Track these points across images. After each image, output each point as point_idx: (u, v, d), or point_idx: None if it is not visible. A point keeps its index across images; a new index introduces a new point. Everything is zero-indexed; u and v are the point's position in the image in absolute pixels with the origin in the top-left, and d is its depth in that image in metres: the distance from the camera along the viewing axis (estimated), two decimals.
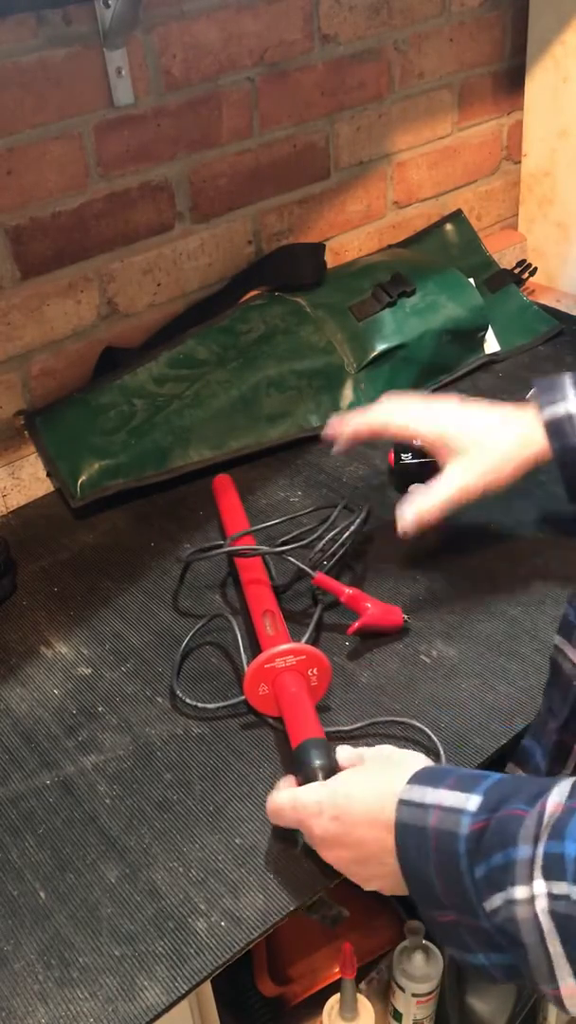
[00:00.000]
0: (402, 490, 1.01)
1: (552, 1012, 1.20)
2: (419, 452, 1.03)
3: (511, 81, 1.51)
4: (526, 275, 1.50)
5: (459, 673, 0.87)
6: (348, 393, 1.24)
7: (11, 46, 1.01)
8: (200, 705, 0.86)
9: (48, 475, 1.19)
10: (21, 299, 1.12)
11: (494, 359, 1.34)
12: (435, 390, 1.29)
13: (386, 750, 0.71)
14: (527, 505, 1.05)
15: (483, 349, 1.34)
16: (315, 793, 0.68)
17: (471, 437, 0.88)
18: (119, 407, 1.17)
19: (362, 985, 1.00)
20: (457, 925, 0.57)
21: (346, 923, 0.93)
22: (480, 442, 0.88)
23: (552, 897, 0.50)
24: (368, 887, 0.68)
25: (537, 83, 1.48)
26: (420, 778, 0.62)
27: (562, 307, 1.47)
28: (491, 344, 1.35)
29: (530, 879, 0.51)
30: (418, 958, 0.98)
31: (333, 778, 0.69)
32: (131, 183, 1.16)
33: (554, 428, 0.85)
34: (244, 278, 1.30)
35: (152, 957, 0.68)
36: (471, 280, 1.35)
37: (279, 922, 0.70)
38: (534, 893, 0.51)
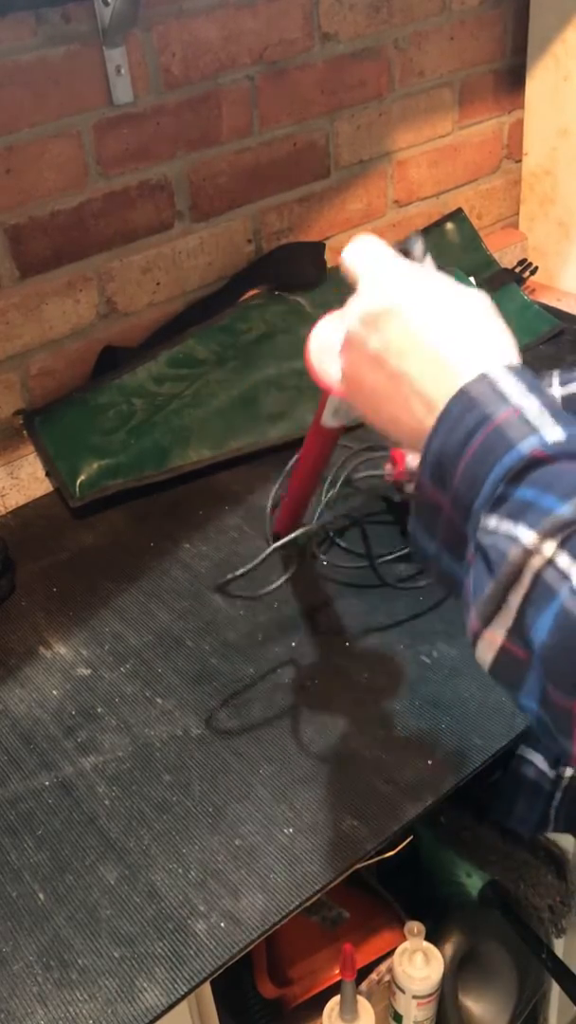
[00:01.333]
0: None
1: (552, 1014, 1.20)
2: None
3: (512, 79, 1.51)
4: (527, 274, 1.50)
5: (460, 673, 0.87)
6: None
7: (10, 44, 1.01)
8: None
9: (47, 475, 1.18)
10: (20, 298, 1.11)
11: None
12: None
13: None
14: None
15: None
16: (392, 275, 0.58)
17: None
18: (118, 407, 1.17)
19: (362, 987, 1.00)
20: (439, 511, 0.53)
21: (346, 924, 0.93)
22: None
23: (552, 565, 0.46)
24: (371, 421, 0.60)
25: (538, 81, 1.48)
26: (518, 373, 0.52)
27: (563, 306, 1.47)
28: None
29: (548, 537, 0.46)
30: (418, 960, 0.98)
31: (423, 279, 0.58)
32: (130, 182, 1.15)
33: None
34: (244, 277, 1.30)
35: (151, 958, 0.68)
36: (472, 279, 1.34)
37: (279, 923, 0.70)
38: (540, 549, 0.46)
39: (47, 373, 1.17)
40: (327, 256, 1.36)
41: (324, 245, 1.35)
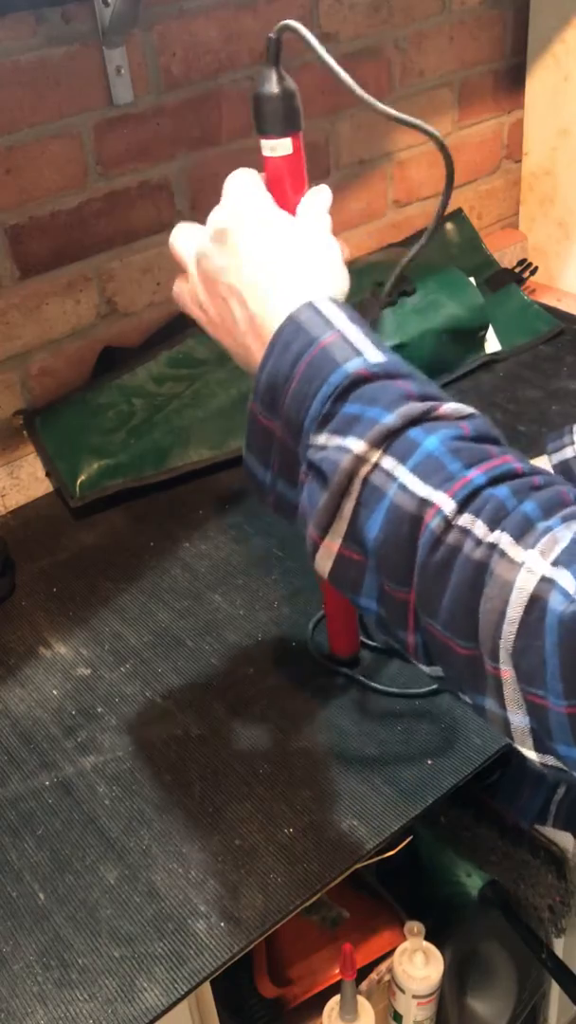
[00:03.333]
0: None
1: (552, 1014, 1.20)
2: None
3: (512, 80, 1.51)
4: (527, 274, 1.50)
5: None
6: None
7: (10, 45, 1.01)
8: None
9: (47, 475, 1.18)
10: (20, 298, 1.11)
11: (495, 358, 1.34)
12: None
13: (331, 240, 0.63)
14: None
15: (484, 348, 1.34)
16: (251, 199, 0.60)
17: None
18: (118, 407, 1.17)
19: (362, 986, 1.00)
20: (271, 435, 0.57)
21: (346, 924, 0.93)
22: None
23: (379, 468, 0.50)
24: (211, 333, 0.64)
25: (538, 82, 1.48)
26: (341, 305, 0.57)
27: (563, 306, 1.47)
28: (492, 343, 1.34)
29: (376, 446, 0.50)
30: (418, 959, 0.98)
31: (279, 210, 0.61)
32: (130, 182, 1.15)
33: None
34: None
35: (151, 958, 0.68)
36: (472, 279, 1.34)
37: (279, 923, 0.70)
38: (368, 457, 0.51)
39: (47, 373, 1.17)
40: None
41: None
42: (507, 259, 1.56)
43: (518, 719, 0.46)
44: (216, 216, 0.61)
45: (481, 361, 1.32)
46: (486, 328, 1.33)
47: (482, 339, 1.33)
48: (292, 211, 0.63)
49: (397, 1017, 1.02)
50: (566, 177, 1.51)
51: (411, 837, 0.89)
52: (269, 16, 1.19)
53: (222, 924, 0.70)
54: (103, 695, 0.89)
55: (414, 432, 0.50)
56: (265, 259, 0.59)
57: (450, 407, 0.52)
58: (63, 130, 1.08)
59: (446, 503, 0.47)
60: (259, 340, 0.58)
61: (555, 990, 1.20)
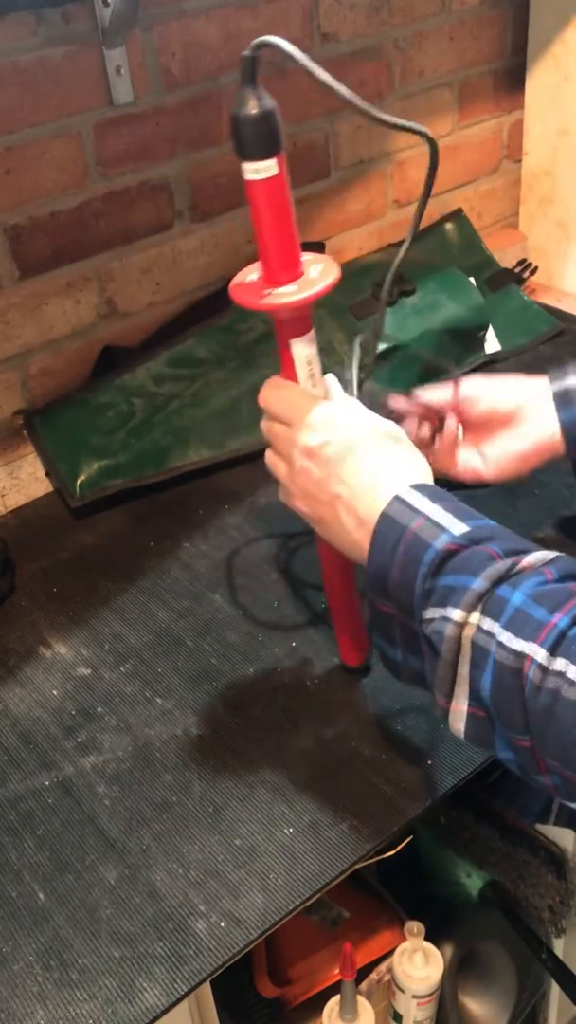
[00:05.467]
0: None
1: (552, 1014, 1.20)
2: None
3: (512, 80, 1.51)
4: (527, 274, 1.50)
5: None
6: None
7: (10, 45, 1.01)
8: None
9: (47, 475, 1.18)
10: (20, 298, 1.11)
11: (495, 359, 1.34)
12: None
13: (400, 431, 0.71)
14: (532, 505, 1.05)
15: (483, 349, 1.34)
16: (326, 411, 0.68)
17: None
18: (118, 407, 1.17)
19: (362, 986, 1.00)
20: (392, 619, 0.63)
21: (346, 924, 0.93)
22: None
23: (480, 630, 0.56)
24: (321, 532, 0.71)
25: (538, 82, 1.48)
26: (423, 489, 0.63)
27: (563, 306, 1.47)
28: (491, 344, 1.34)
29: (472, 609, 0.56)
30: (418, 959, 0.98)
31: (349, 417, 0.68)
32: (130, 182, 1.15)
33: (561, 399, 0.87)
34: None
35: (151, 958, 0.68)
36: (471, 279, 1.34)
37: (279, 923, 0.70)
38: (469, 621, 0.56)
39: (47, 373, 1.18)
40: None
41: (324, 245, 1.35)
42: (507, 259, 1.56)
43: None
44: (299, 440, 0.68)
45: (481, 361, 1.32)
46: (486, 328, 1.33)
47: (482, 339, 1.33)
48: (283, 235, 0.66)
49: (397, 1017, 1.02)
50: (566, 177, 1.51)
51: (411, 837, 0.89)
52: (269, 16, 1.19)
53: (222, 924, 0.70)
54: (103, 695, 0.89)
55: (501, 590, 0.56)
56: (357, 465, 0.66)
57: (533, 557, 0.58)
58: (63, 130, 1.08)
59: (538, 652, 0.53)
60: (367, 537, 0.64)
61: (555, 990, 1.20)
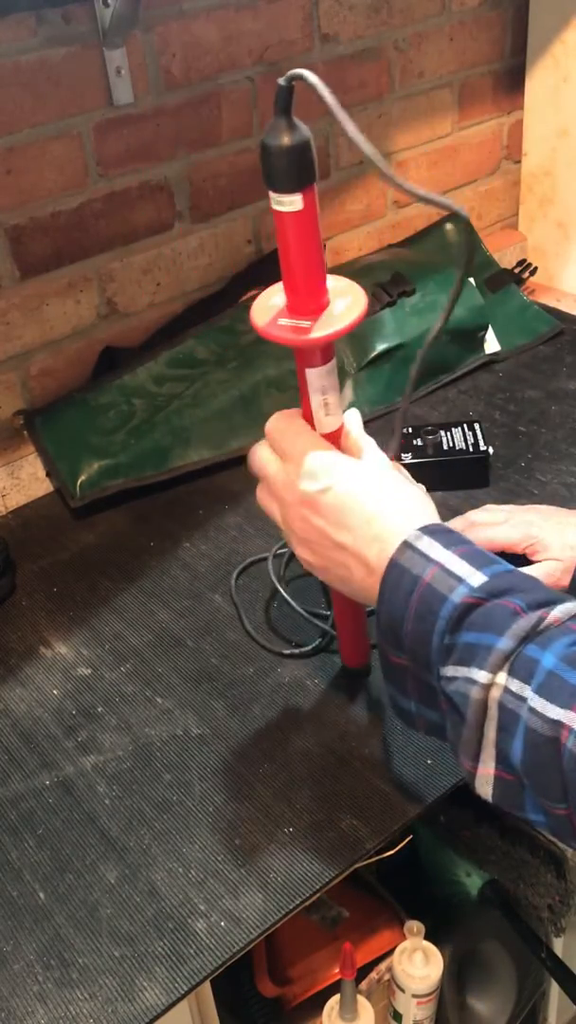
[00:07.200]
0: None
1: (552, 1013, 1.20)
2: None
3: (511, 80, 1.51)
4: (526, 275, 1.50)
5: None
6: (348, 393, 1.24)
7: (10, 45, 1.01)
8: None
9: (48, 475, 1.18)
10: (20, 299, 1.12)
11: (494, 359, 1.34)
12: (435, 390, 1.29)
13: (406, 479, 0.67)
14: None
15: (483, 349, 1.34)
16: (323, 459, 0.64)
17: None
18: (119, 407, 1.17)
19: (362, 986, 1.00)
20: (405, 670, 0.60)
21: (346, 923, 0.93)
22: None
23: (508, 692, 0.53)
24: (325, 579, 0.68)
25: (537, 82, 1.48)
26: (433, 532, 0.60)
27: (562, 307, 1.47)
28: (491, 344, 1.35)
29: (498, 669, 0.53)
30: (418, 959, 0.98)
31: (349, 460, 0.65)
32: (130, 182, 1.16)
33: None
34: (244, 277, 1.30)
35: (151, 958, 0.68)
36: (471, 280, 1.34)
37: (279, 922, 0.70)
38: (495, 682, 0.53)
39: (47, 373, 1.18)
40: (327, 257, 1.36)
41: (324, 246, 1.35)
42: (507, 259, 1.56)
43: None
44: (297, 485, 0.64)
45: (481, 361, 1.32)
46: (486, 328, 1.33)
47: (482, 339, 1.33)
48: (308, 268, 0.62)
49: (397, 1016, 1.02)
50: (565, 178, 1.52)
51: (411, 837, 0.89)
52: (269, 16, 1.20)
53: (222, 923, 0.70)
54: (103, 695, 0.89)
55: (529, 650, 0.53)
56: (362, 511, 0.63)
57: (559, 611, 0.54)
58: (63, 131, 1.08)
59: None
60: (369, 572, 0.62)
61: (555, 990, 1.20)
